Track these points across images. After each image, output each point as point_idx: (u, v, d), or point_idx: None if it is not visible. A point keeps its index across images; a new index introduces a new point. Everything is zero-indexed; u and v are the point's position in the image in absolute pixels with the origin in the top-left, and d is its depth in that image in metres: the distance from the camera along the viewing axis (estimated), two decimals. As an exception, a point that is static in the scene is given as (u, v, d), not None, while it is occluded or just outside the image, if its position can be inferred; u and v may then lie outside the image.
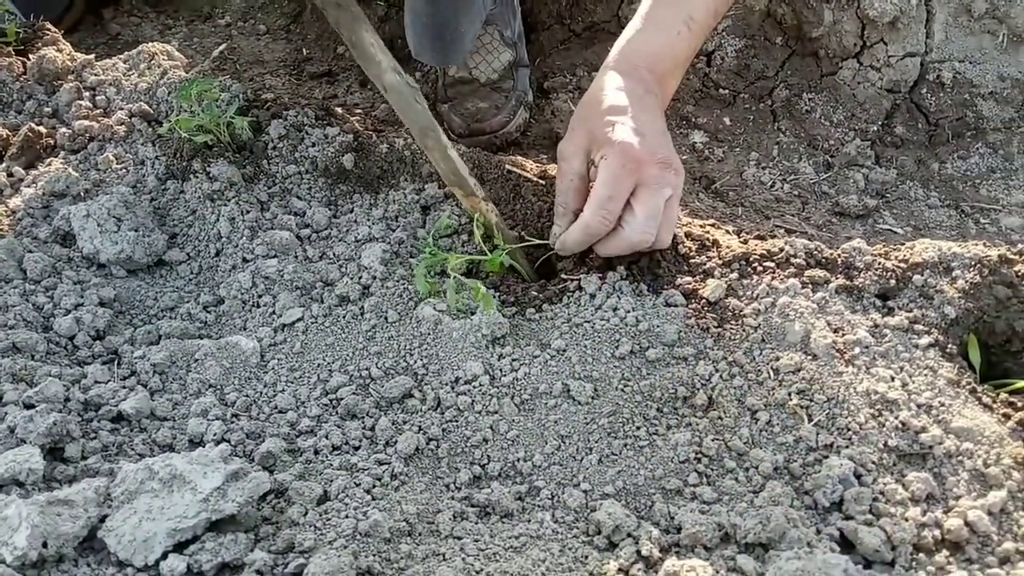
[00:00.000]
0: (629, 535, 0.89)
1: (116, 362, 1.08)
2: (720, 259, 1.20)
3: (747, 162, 1.71)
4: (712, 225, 1.46)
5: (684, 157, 1.73)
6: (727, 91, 1.79)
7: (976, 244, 1.16)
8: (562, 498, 0.95)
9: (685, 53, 1.25)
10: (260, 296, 1.18)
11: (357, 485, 0.91)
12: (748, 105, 1.78)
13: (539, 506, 0.95)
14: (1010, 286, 1.11)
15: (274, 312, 1.15)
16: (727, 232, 1.44)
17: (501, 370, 1.04)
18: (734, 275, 1.16)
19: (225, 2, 2.18)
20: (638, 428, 1.01)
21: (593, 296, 1.13)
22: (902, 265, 1.14)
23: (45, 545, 0.78)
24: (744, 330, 1.09)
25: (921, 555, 0.87)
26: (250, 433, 0.98)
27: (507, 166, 1.36)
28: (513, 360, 1.05)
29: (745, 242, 1.38)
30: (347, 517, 0.86)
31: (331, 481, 0.91)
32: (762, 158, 1.71)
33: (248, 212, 1.28)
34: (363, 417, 1.00)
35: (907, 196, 1.62)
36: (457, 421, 1.01)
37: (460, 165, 1.16)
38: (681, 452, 0.97)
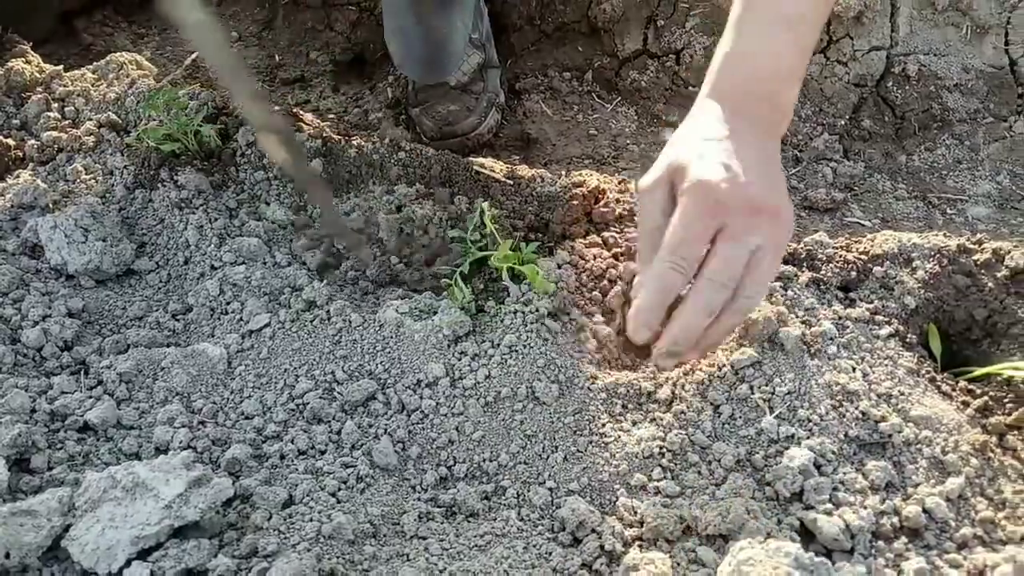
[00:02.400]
0: (593, 530, 0.90)
1: (84, 372, 1.08)
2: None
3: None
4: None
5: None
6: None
7: (936, 234, 1.17)
8: (527, 496, 0.96)
9: (795, 57, 0.99)
10: (228, 303, 1.18)
11: (322, 489, 0.91)
12: (717, 102, 1.79)
13: (505, 505, 0.96)
14: (969, 275, 1.13)
15: (241, 319, 1.16)
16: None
17: (461, 371, 1.05)
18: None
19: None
20: (603, 425, 1.02)
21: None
22: (863, 257, 1.16)
23: (8, 556, 0.78)
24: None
25: (880, 542, 0.88)
26: (216, 440, 0.98)
27: (475, 168, 1.37)
28: (472, 359, 1.06)
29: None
30: (311, 520, 0.86)
31: (296, 485, 0.91)
32: (732, 154, 1.72)
33: (216, 220, 1.29)
34: (329, 421, 1.01)
35: (875, 189, 1.64)
36: (423, 423, 1.01)
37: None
38: (645, 447, 0.98)
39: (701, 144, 0.90)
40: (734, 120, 0.93)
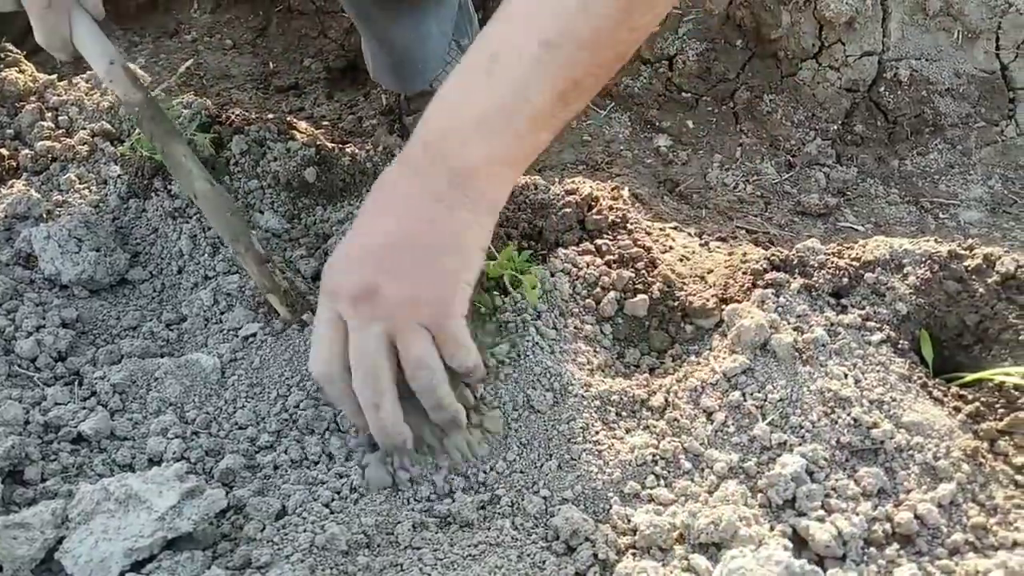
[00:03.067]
0: (587, 539, 0.90)
1: (78, 383, 1.08)
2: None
3: (711, 164, 1.73)
4: (674, 228, 1.48)
5: (649, 161, 1.75)
6: (689, 94, 1.81)
7: (927, 240, 1.18)
8: (522, 505, 0.96)
9: (489, 110, 0.85)
10: (222, 313, 1.18)
11: (316, 499, 0.92)
12: (710, 108, 1.80)
13: (499, 514, 0.96)
14: (960, 281, 1.13)
15: (234, 328, 1.16)
16: (688, 235, 1.46)
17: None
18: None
19: (191, 18, 2.18)
20: (597, 433, 1.02)
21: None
22: (855, 263, 1.16)
23: (1, 569, 0.78)
24: (703, 336, 1.11)
25: (872, 549, 0.88)
26: (210, 450, 0.98)
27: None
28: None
29: (705, 243, 1.40)
30: (305, 531, 0.86)
31: (289, 496, 0.92)
32: (725, 160, 1.73)
33: (210, 229, 1.29)
34: (322, 432, 1.01)
35: (868, 193, 1.65)
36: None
37: (272, 274, 1.09)
38: (638, 455, 0.98)
39: (356, 219, 0.91)
40: (400, 184, 0.89)
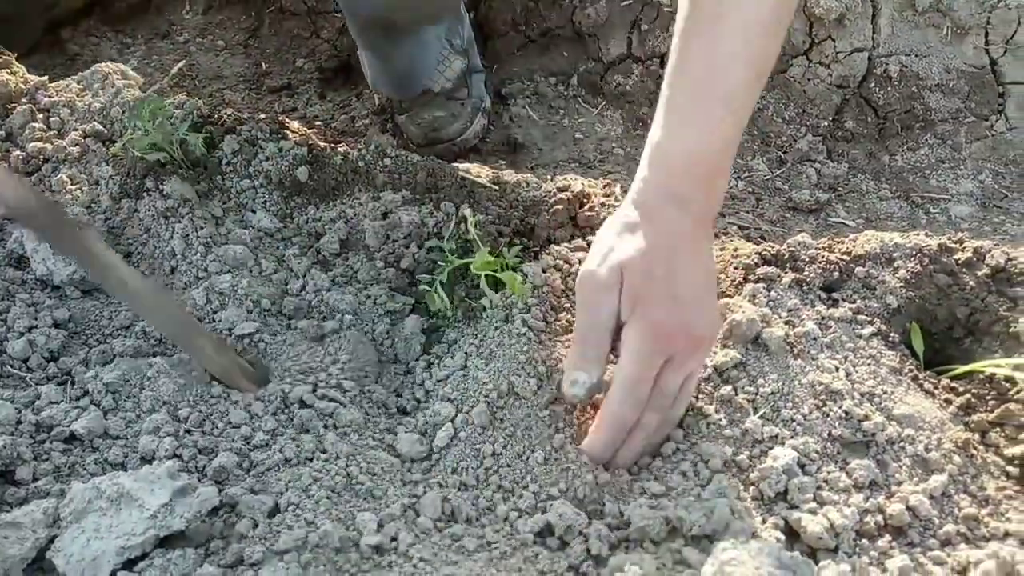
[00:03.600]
0: (580, 533, 0.91)
1: (70, 383, 1.08)
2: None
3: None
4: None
5: (640, 158, 1.75)
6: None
7: (918, 234, 1.18)
8: (513, 499, 0.96)
9: (730, 142, 0.96)
10: (215, 312, 1.18)
11: (309, 497, 0.92)
12: (702, 105, 1.80)
13: (491, 508, 0.96)
14: (950, 274, 1.14)
15: (228, 327, 1.16)
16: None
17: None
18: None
19: (183, 19, 2.18)
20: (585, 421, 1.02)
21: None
22: (845, 257, 1.16)
23: (-7, 568, 0.78)
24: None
25: (864, 540, 0.89)
26: (203, 448, 0.98)
27: (460, 173, 1.37)
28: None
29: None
30: (298, 529, 0.86)
31: (283, 493, 0.91)
32: (717, 156, 1.73)
33: (202, 228, 1.29)
34: (317, 430, 1.01)
35: (859, 189, 1.65)
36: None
37: (234, 359, 1.07)
38: (631, 449, 0.98)
39: (648, 258, 0.94)
40: (671, 228, 0.95)
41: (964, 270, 1.14)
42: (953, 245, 1.15)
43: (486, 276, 1.14)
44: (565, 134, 1.82)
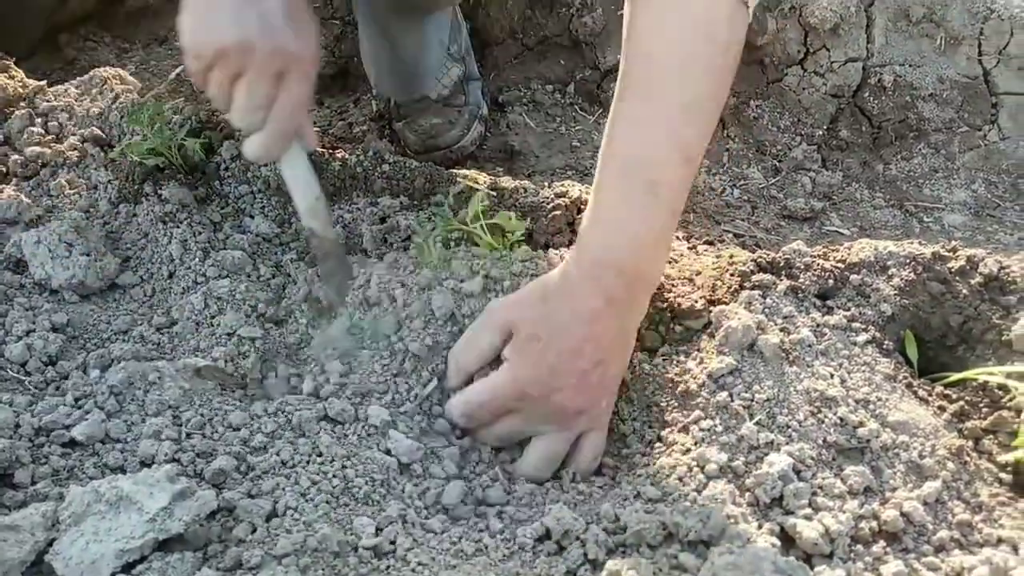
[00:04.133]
0: (577, 538, 0.91)
1: (68, 387, 1.08)
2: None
3: (698, 169, 1.74)
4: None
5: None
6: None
7: (912, 242, 1.20)
8: (512, 502, 0.97)
9: (657, 228, 1.01)
10: (213, 317, 1.18)
11: (308, 500, 0.92)
12: (698, 113, 1.81)
13: (490, 511, 0.96)
14: (944, 282, 1.15)
15: (228, 332, 1.16)
16: (676, 238, 1.47)
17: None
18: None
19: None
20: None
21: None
22: (840, 265, 1.17)
23: (-9, 572, 0.78)
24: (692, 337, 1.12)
25: (859, 546, 0.89)
26: (201, 452, 0.98)
27: (458, 179, 1.38)
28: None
29: (693, 247, 1.41)
30: (296, 532, 0.87)
31: (281, 497, 0.92)
32: (713, 165, 1.75)
33: (200, 233, 1.29)
34: (314, 435, 1.01)
35: (853, 197, 1.67)
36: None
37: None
38: (628, 455, 0.99)
39: (539, 323, 1.00)
40: (587, 299, 0.99)
41: (957, 278, 1.15)
42: (946, 254, 1.16)
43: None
44: (562, 141, 1.83)
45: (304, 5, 1.05)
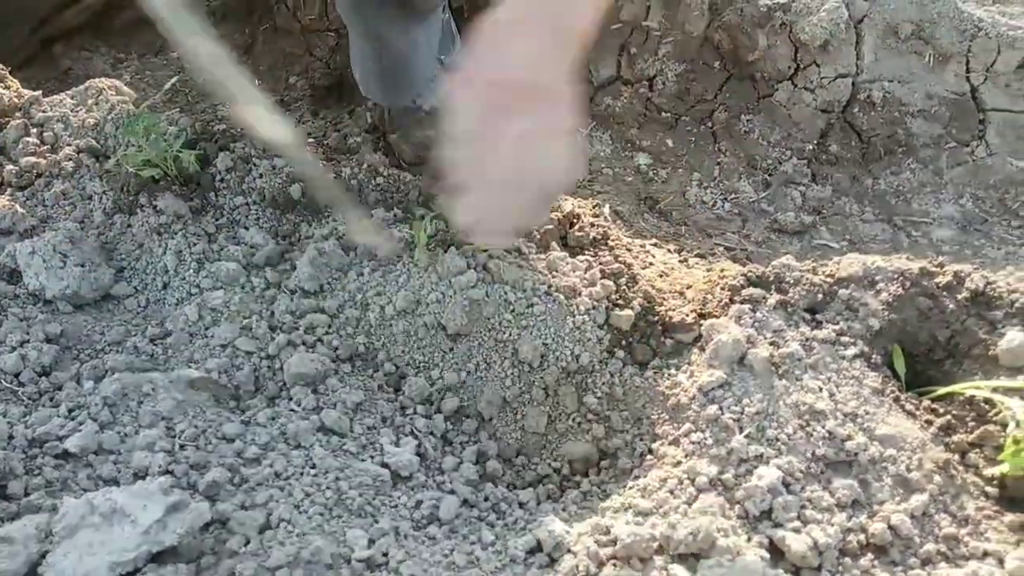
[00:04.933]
0: (569, 550, 0.92)
1: (62, 397, 1.08)
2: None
3: (690, 182, 1.76)
4: (654, 244, 1.51)
5: (629, 179, 1.78)
6: (669, 114, 1.84)
7: (899, 258, 1.21)
8: (503, 511, 0.97)
9: None
10: (207, 328, 1.19)
11: (301, 512, 0.92)
12: (690, 127, 1.83)
13: (482, 522, 0.97)
14: (931, 297, 1.16)
15: (222, 344, 1.16)
16: (668, 252, 1.48)
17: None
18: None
19: (177, 35, 2.19)
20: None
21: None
22: (829, 280, 1.19)
23: (-16, 583, 0.78)
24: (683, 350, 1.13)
25: (847, 559, 0.90)
26: (195, 464, 0.99)
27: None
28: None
29: (684, 260, 1.42)
30: (289, 544, 0.87)
31: (275, 509, 0.92)
32: (704, 178, 1.76)
33: (195, 244, 1.30)
34: (309, 446, 1.02)
35: (842, 212, 1.69)
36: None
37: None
38: (619, 468, 1.00)
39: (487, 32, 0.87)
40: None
41: (945, 293, 1.16)
42: (934, 269, 1.18)
43: None
44: (555, 154, 1.84)
45: None
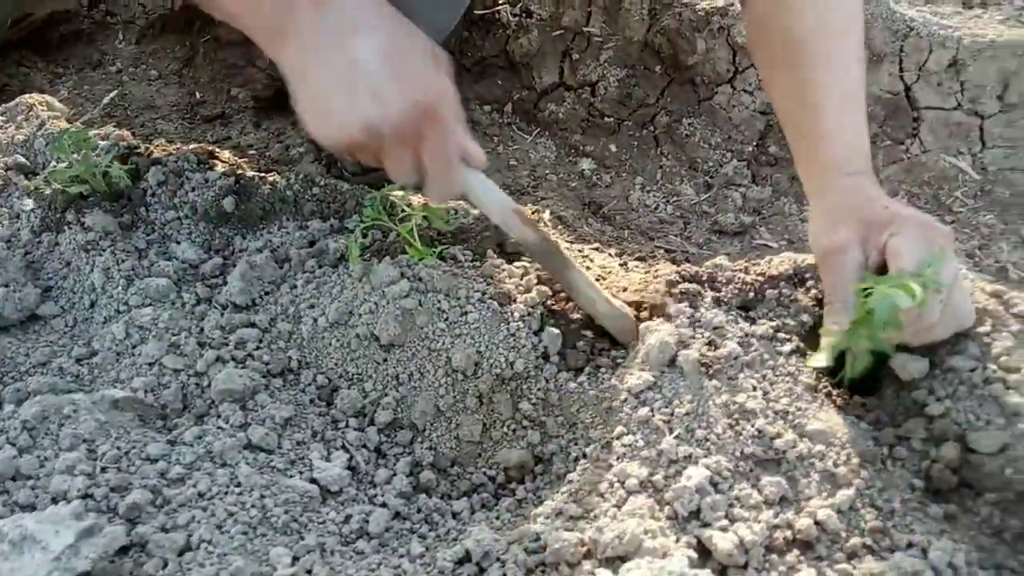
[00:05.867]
0: (498, 559, 0.91)
1: (-17, 421, 1.06)
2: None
3: (633, 186, 1.77)
4: (595, 249, 1.51)
5: (573, 184, 1.79)
6: (612, 119, 1.85)
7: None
8: (436, 522, 0.97)
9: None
10: (134, 347, 1.17)
11: (223, 532, 0.91)
12: (632, 132, 1.84)
13: (410, 531, 0.96)
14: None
15: (150, 362, 1.14)
16: (609, 255, 1.49)
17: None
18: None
19: (115, 49, 2.16)
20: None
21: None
22: (760, 278, 1.20)
23: None
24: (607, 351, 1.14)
25: (773, 556, 0.91)
26: (116, 486, 0.96)
27: (391, 201, 1.38)
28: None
29: (624, 263, 1.42)
30: (209, 566, 0.85)
31: (196, 530, 0.90)
32: (647, 182, 1.78)
33: (124, 261, 1.28)
34: (235, 464, 1.00)
35: (781, 212, 1.70)
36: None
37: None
38: (550, 473, 1.00)
39: (880, 202, 1.09)
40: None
41: (872, 289, 1.17)
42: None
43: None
44: (500, 161, 1.84)
45: (404, 24, 0.98)
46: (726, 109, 1.79)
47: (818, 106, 1.15)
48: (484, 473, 1.10)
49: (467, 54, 1.96)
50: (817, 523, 0.93)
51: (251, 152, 1.86)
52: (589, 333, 1.19)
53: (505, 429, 1.13)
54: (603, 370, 1.14)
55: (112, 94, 2.02)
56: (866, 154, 1.15)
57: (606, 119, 1.85)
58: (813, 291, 1.18)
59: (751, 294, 1.19)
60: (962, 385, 1.05)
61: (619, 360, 1.16)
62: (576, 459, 1.08)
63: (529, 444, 1.12)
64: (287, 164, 1.84)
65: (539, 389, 1.14)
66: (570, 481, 1.04)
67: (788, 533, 0.93)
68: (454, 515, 1.03)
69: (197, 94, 2.04)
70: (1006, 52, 1.73)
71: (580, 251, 1.40)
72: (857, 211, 1.08)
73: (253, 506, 0.94)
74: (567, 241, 1.46)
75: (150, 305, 1.22)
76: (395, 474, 1.06)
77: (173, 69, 2.10)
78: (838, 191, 1.12)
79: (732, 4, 1.76)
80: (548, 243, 1.16)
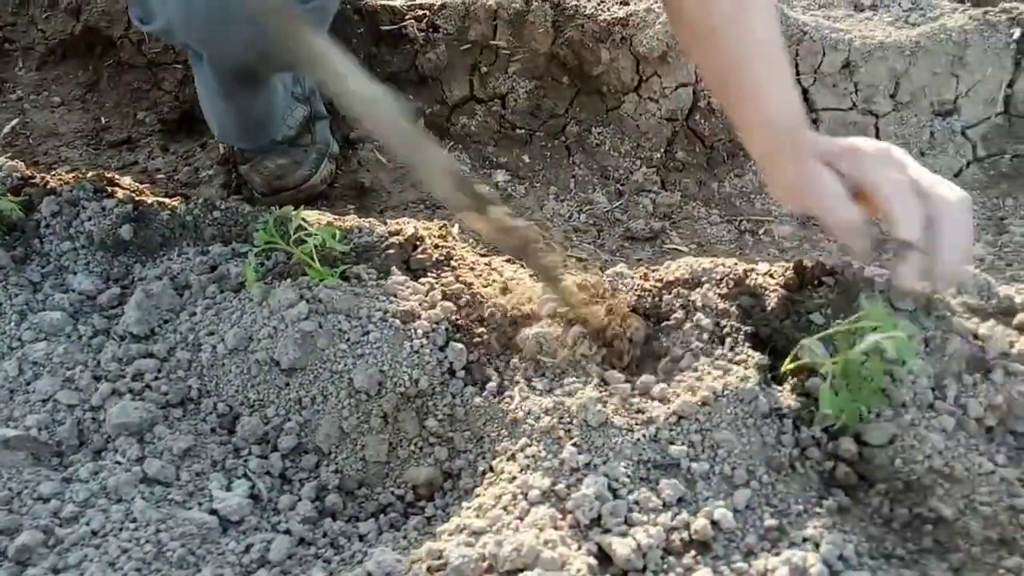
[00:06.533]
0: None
1: None
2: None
3: (547, 196, 1.79)
4: (506, 260, 1.52)
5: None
6: (523, 130, 1.87)
7: (724, 261, 1.26)
8: (341, 546, 0.96)
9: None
10: (28, 383, 1.13)
11: (116, 570, 0.89)
12: (544, 142, 1.87)
13: (318, 557, 0.95)
14: (753, 295, 1.21)
15: (43, 398, 1.11)
16: (520, 267, 1.50)
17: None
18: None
19: (16, 76, 2.10)
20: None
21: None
22: (658, 284, 1.22)
23: None
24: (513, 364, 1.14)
25: (671, 558, 0.92)
26: (5, 528, 0.93)
27: (296, 222, 1.37)
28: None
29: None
30: (99, 605, 0.83)
31: (87, 569, 0.88)
32: (560, 191, 1.80)
33: (17, 296, 1.24)
34: (129, 500, 0.98)
35: (691, 216, 1.74)
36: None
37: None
38: (454, 489, 1.00)
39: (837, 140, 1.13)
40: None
41: (766, 292, 1.21)
42: (751, 270, 1.22)
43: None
44: (414, 176, 1.84)
45: None
46: (633, 117, 1.83)
47: (745, 72, 1.18)
48: (392, 493, 1.10)
49: (376, 69, 1.96)
50: (713, 523, 0.95)
51: (159, 176, 1.83)
52: (497, 346, 1.20)
53: (412, 447, 1.13)
54: (511, 382, 1.15)
55: (13, 122, 1.97)
56: (800, 111, 1.20)
57: (518, 130, 1.87)
58: (711, 294, 1.21)
59: (650, 300, 1.21)
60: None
61: (529, 372, 1.17)
62: (483, 473, 1.09)
63: (437, 460, 1.12)
64: (197, 186, 1.81)
65: (445, 405, 1.14)
66: (477, 495, 1.04)
67: (685, 535, 0.94)
68: (360, 537, 1.02)
69: (102, 119, 2.00)
70: (895, 52, 1.80)
71: (488, 263, 1.41)
72: (812, 147, 1.12)
73: (147, 541, 0.92)
74: (479, 255, 1.46)
75: (44, 339, 1.18)
76: (300, 499, 1.05)
77: (76, 95, 2.05)
78: (785, 145, 1.15)
79: (633, 15, 1.80)
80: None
